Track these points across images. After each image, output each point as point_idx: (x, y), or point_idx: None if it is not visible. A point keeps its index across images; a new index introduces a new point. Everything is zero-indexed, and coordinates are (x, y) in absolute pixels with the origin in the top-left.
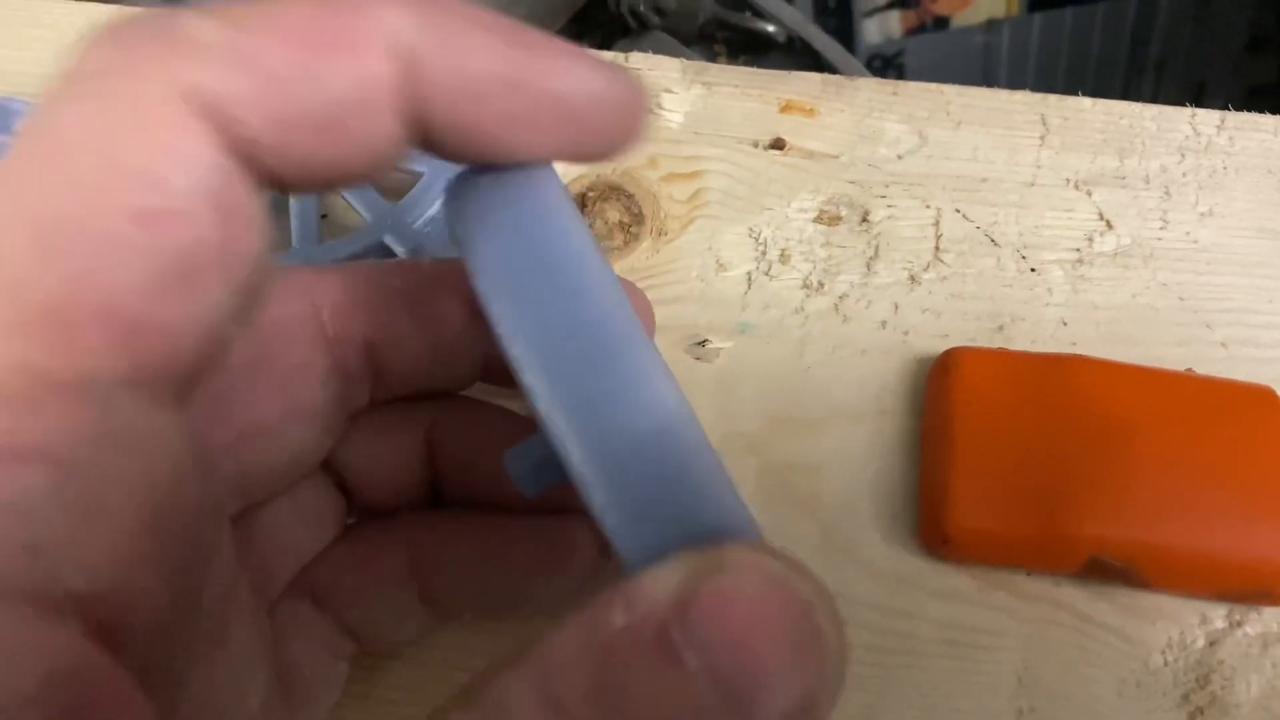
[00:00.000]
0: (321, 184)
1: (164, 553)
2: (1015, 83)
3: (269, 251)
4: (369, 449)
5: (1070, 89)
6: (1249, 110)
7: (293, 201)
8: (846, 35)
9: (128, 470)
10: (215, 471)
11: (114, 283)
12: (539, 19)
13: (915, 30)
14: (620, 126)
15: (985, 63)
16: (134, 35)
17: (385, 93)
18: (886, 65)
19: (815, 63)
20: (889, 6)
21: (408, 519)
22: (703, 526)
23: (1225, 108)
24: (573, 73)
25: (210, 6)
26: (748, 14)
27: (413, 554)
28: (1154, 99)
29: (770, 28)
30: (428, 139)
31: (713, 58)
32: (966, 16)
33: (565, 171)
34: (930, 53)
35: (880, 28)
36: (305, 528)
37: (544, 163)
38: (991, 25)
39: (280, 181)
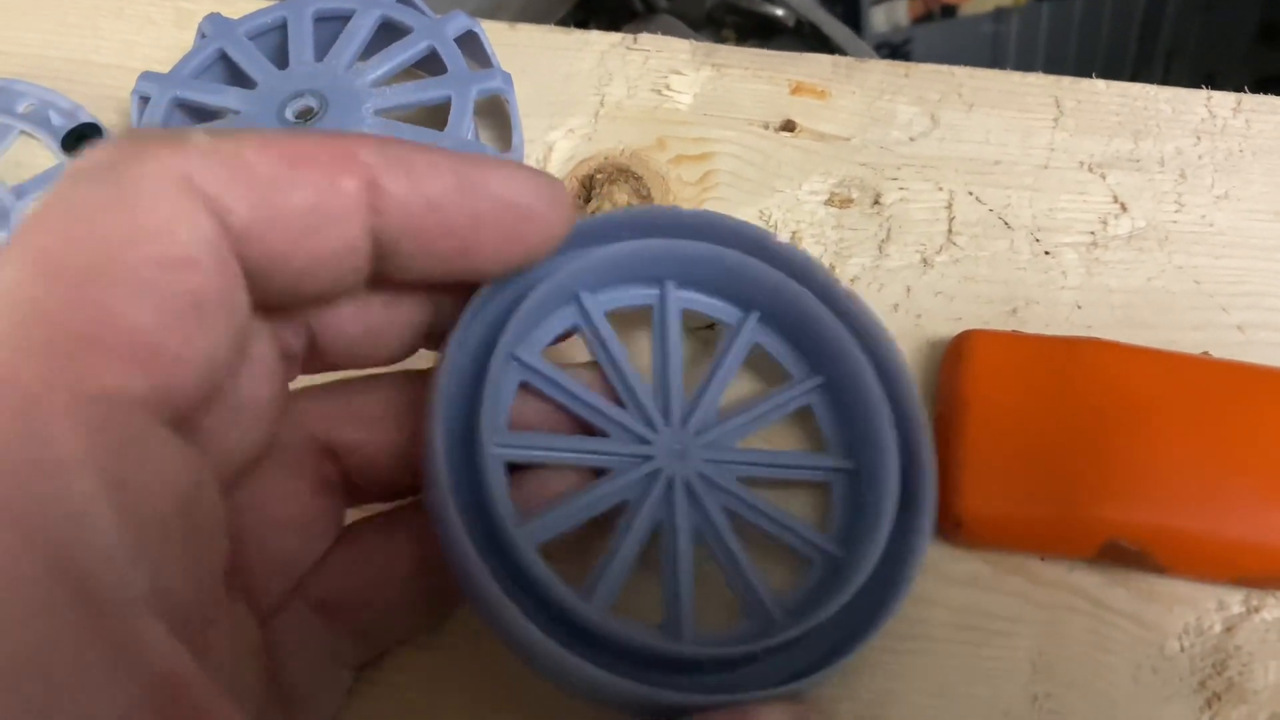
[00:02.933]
0: (297, 290)
1: (191, 559)
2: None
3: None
4: (357, 422)
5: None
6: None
7: None
8: (854, 23)
9: (157, 481)
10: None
11: (137, 315)
12: (547, 2)
13: (923, 19)
14: (553, 220)
15: (993, 51)
16: (140, 136)
17: (353, 204)
18: (894, 54)
19: (824, 47)
20: None
21: (407, 514)
22: None
23: None
24: (511, 177)
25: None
26: None
27: (416, 549)
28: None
29: (778, 11)
30: (392, 256)
31: (720, 42)
32: (975, 5)
33: (574, 153)
34: (938, 41)
35: (888, 16)
36: (298, 536)
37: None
38: (1000, 14)
39: (260, 278)
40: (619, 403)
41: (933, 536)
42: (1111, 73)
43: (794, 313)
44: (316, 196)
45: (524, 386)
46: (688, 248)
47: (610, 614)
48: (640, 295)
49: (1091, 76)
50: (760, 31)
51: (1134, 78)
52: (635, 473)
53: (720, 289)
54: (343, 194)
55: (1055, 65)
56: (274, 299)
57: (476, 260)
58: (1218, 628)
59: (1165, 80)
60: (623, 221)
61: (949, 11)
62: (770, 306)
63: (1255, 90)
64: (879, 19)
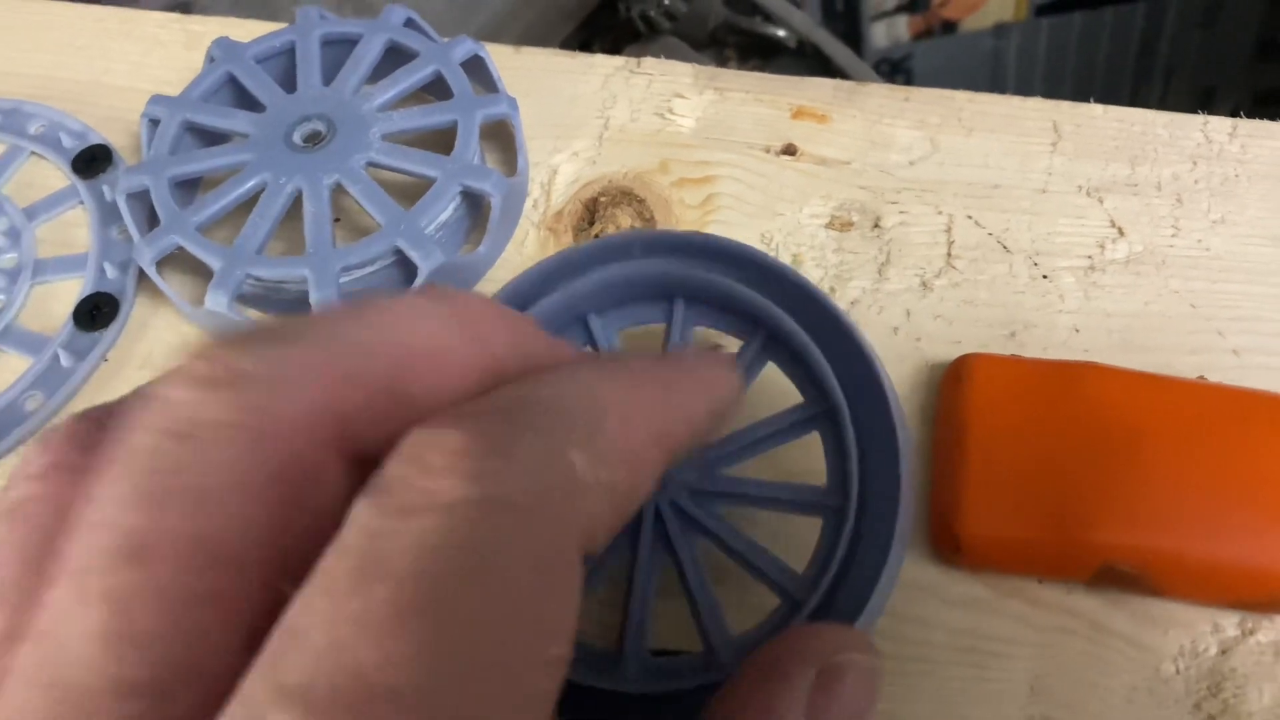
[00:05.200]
0: None
1: None
2: (1023, 88)
3: None
4: None
5: (1078, 94)
6: (1258, 115)
7: (306, 206)
8: (854, 40)
9: None
10: None
11: None
12: (550, 24)
13: (923, 35)
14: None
15: (993, 67)
16: (539, 488)
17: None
18: (894, 70)
19: (825, 67)
20: (897, 11)
21: None
22: None
23: (1234, 113)
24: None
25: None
26: (758, 19)
27: None
28: (1162, 104)
29: (780, 32)
30: None
31: (723, 62)
32: (975, 21)
33: (578, 176)
34: (938, 57)
35: (888, 32)
36: None
37: None
38: (1000, 30)
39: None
40: None
41: (895, 582)
42: (1111, 88)
43: (792, 342)
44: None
45: None
46: (692, 273)
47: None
48: (649, 315)
49: (1091, 92)
50: (762, 52)
51: (1134, 93)
52: None
53: (728, 310)
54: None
55: (1055, 80)
56: None
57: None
58: (1213, 650)
59: (1165, 95)
60: (632, 241)
61: (949, 27)
62: (773, 331)
63: (1255, 105)
64: (879, 35)
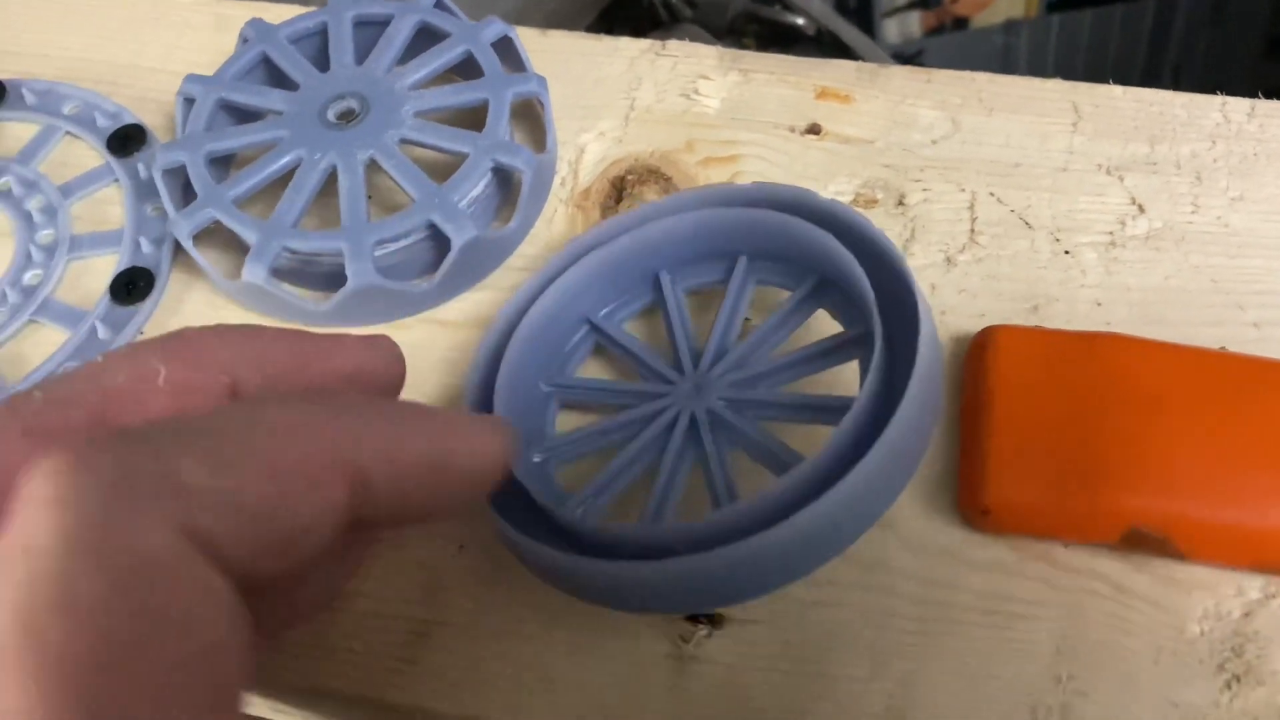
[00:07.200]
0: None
1: None
2: None
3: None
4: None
5: None
6: None
7: (341, 181)
8: (867, 35)
9: None
10: None
11: None
12: (572, 11)
13: (935, 31)
14: (503, 462)
15: (1004, 64)
16: (123, 471)
17: (341, 507)
18: (906, 65)
19: (843, 55)
20: (909, 7)
21: None
22: None
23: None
24: (475, 436)
25: (191, 442)
26: (777, 7)
27: None
28: None
29: (799, 20)
30: (371, 516)
31: (742, 50)
32: (986, 17)
33: (605, 155)
34: (949, 53)
35: (900, 28)
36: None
37: None
38: (1010, 26)
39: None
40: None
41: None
42: (1120, 84)
43: (843, 274)
44: (309, 519)
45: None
46: (755, 215)
47: (590, 517)
48: (714, 274)
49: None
50: (780, 40)
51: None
52: (648, 408)
53: (785, 259)
54: (333, 508)
55: (1065, 76)
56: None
57: (439, 509)
58: (1236, 613)
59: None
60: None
61: (960, 23)
62: (825, 274)
63: None
64: (891, 31)
